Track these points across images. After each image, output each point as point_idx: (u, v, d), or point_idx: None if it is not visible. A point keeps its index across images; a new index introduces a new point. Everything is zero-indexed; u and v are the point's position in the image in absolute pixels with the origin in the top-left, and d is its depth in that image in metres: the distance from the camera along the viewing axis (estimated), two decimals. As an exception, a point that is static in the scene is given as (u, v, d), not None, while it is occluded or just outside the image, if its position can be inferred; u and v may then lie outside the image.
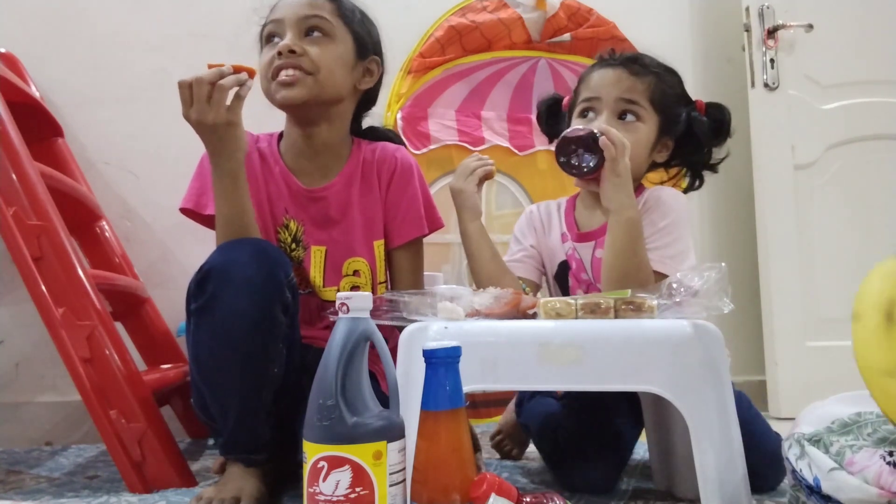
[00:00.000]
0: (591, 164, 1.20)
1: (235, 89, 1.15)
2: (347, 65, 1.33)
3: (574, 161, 1.22)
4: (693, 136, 1.35)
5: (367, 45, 1.36)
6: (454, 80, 2.16)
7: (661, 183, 1.45)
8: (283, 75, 1.27)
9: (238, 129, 1.17)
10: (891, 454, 0.80)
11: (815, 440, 0.86)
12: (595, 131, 1.20)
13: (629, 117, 1.30)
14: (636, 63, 1.33)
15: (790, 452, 0.90)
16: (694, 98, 1.38)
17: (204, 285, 1.12)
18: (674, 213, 1.28)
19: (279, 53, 1.27)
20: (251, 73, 1.17)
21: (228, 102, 1.14)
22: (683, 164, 1.41)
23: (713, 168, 1.40)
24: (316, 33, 1.29)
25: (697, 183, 1.42)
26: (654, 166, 1.40)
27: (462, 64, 2.16)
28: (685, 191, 1.42)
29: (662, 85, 1.33)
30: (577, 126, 1.27)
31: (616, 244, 1.20)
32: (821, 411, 0.90)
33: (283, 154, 1.39)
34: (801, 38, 2.23)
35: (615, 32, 2.25)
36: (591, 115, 1.32)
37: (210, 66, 1.15)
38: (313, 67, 1.27)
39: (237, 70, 1.15)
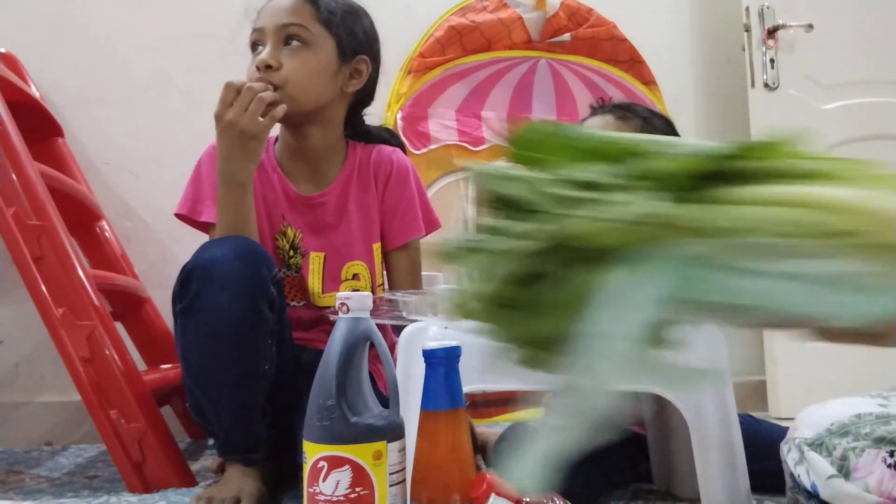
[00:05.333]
0: None
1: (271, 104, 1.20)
2: (328, 72, 1.31)
3: None
4: None
5: (351, 46, 1.34)
6: (454, 80, 2.16)
7: None
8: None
9: (261, 144, 1.20)
10: (892, 454, 0.79)
11: (818, 444, 0.86)
12: None
13: None
14: (623, 108, 1.42)
15: (788, 457, 0.90)
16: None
17: (187, 285, 1.12)
18: None
19: (257, 68, 1.27)
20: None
21: (262, 118, 1.18)
22: None
23: None
24: (294, 42, 1.28)
25: None
26: None
27: (462, 64, 2.16)
28: None
29: (649, 127, 1.39)
30: None
31: None
32: (819, 413, 0.90)
33: (280, 160, 1.39)
34: (801, 38, 2.23)
35: (615, 32, 2.25)
36: None
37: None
38: (283, 81, 1.26)
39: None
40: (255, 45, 1.32)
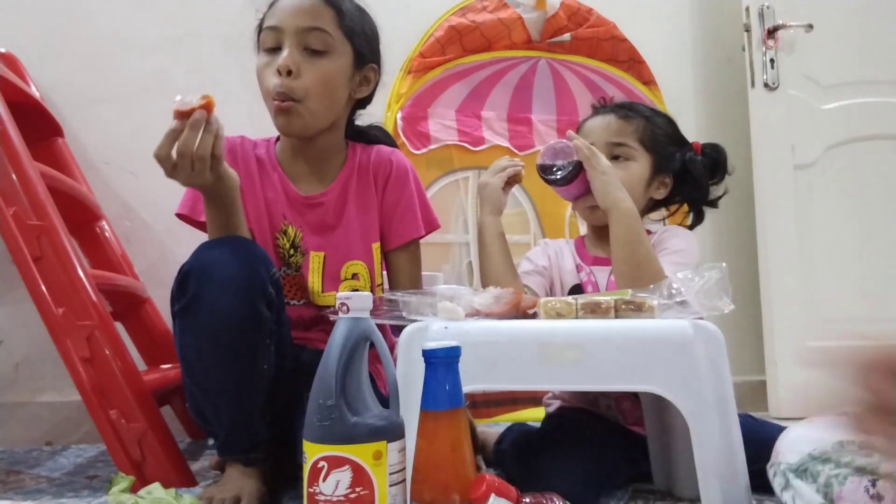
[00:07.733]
0: (569, 169, 1.31)
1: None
2: (344, 78, 1.31)
3: (553, 176, 1.33)
4: (690, 175, 1.41)
5: (366, 54, 1.34)
6: (454, 80, 2.16)
7: (663, 220, 1.52)
8: (278, 104, 1.25)
9: (226, 179, 1.14)
10: (874, 484, 0.79)
11: (802, 470, 0.86)
12: (564, 140, 1.32)
13: (621, 158, 1.38)
14: (625, 108, 1.42)
15: (775, 481, 0.90)
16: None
17: (185, 286, 1.11)
18: (687, 242, 1.36)
19: (278, 72, 1.25)
20: (209, 108, 1.08)
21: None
22: (683, 201, 1.47)
23: (713, 204, 1.46)
24: (315, 48, 1.26)
25: (700, 219, 1.48)
26: (654, 205, 1.46)
27: (462, 64, 2.16)
28: (690, 227, 1.47)
29: (652, 126, 1.40)
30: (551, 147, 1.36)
31: (620, 236, 1.25)
32: (803, 436, 0.89)
33: (280, 159, 1.39)
34: (801, 38, 2.23)
35: (615, 32, 2.25)
36: None
37: (177, 112, 1.07)
38: (304, 94, 1.25)
39: (193, 110, 1.07)
40: (268, 44, 1.29)
